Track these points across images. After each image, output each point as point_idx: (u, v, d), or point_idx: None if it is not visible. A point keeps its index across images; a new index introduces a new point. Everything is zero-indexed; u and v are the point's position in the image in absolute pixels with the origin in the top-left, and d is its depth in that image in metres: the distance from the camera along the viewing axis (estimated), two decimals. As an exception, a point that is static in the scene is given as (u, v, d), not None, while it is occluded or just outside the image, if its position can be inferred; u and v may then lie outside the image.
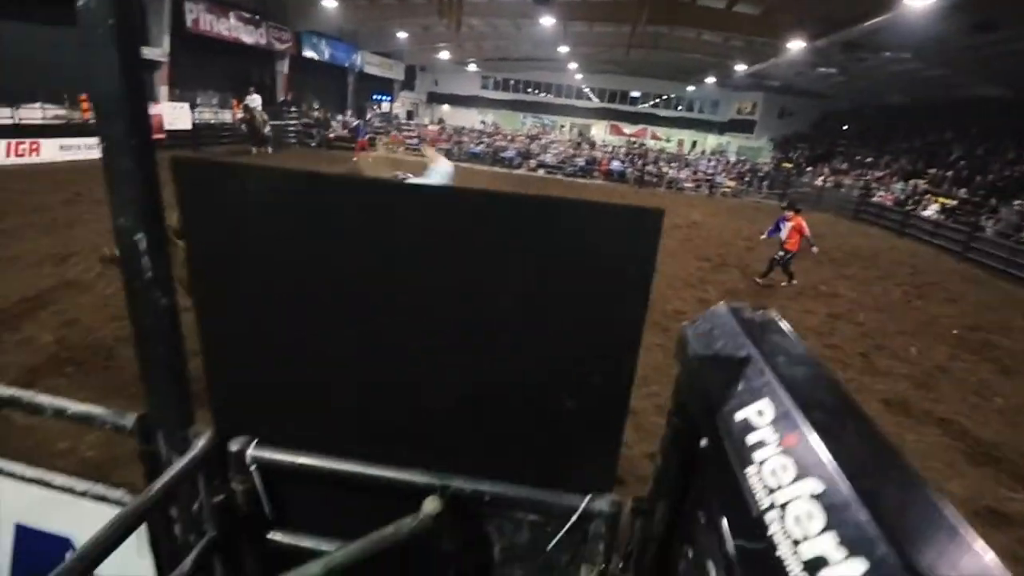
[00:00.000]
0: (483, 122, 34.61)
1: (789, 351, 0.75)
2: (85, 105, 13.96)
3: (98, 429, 1.24)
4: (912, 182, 18.10)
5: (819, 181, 22.24)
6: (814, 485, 0.48)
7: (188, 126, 16.50)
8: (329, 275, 1.01)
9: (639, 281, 0.92)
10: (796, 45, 17.20)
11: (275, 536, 1.20)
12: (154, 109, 15.51)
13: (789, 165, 26.65)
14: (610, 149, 26.89)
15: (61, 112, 13.55)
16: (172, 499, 1.19)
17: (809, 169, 24.97)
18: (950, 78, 18.79)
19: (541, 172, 22.44)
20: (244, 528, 1.18)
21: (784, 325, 0.85)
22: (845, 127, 28.26)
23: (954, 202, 15.49)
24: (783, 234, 8.25)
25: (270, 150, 17.34)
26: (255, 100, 17.09)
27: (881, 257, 11.85)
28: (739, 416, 0.63)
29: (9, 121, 12.21)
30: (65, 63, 13.28)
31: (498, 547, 1.16)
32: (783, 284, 8.65)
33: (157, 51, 16.46)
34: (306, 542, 1.19)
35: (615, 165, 22.77)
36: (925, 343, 6.66)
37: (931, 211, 15.44)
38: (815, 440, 0.53)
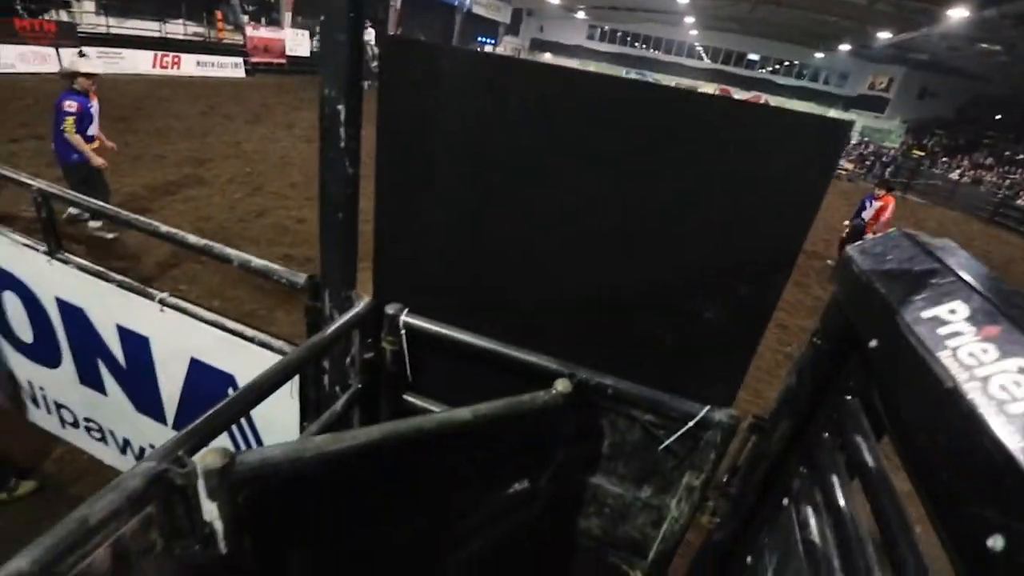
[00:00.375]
0: (584, 74, 33.42)
1: (973, 268, 0.74)
2: (221, 25, 14.99)
3: (274, 283, 1.43)
4: (1073, 187, 15.64)
5: (955, 174, 19.76)
6: (1021, 361, 0.50)
7: (307, 53, 17.26)
8: (498, 160, 1.08)
9: (809, 195, 0.92)
10: (958, 13, 14.93)
11: (411, 397, 1.36)
12: (277, 34, 16.36)
13: (921, 153, 23.80)
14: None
15: (200, 30, 14.62)
16: (326, 353, 1.37)
17: (945, 160, 22.18)
18: None
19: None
20: (387, 385, 1.34)
21: (964, 252, 0.83)
22: (998, 116, 24.57)
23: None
24: (867, 214, 7.41)
25: (371, 84, 17.48)
26: (369, 33, 17.13)
27: (1013, 267, 10.50)
28: (926, 314, 0.64)
29: (156, 34, 13.36)
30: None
31: (608, 441, 1.25)
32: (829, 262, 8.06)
33: (284, -23, 17.15)
34: (436, 407, 1.33)
35: (719, 133, 21.39)
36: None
37: (1091, 223, 13.34)
38: (1018, 332, 0.54)
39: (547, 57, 36.28)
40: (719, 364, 1.11)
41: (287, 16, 17.72)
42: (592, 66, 35.34)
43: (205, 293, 3.95)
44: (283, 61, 16.36)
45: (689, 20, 28.64)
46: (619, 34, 35.28)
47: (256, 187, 6.54)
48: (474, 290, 1.24)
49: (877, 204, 7.36)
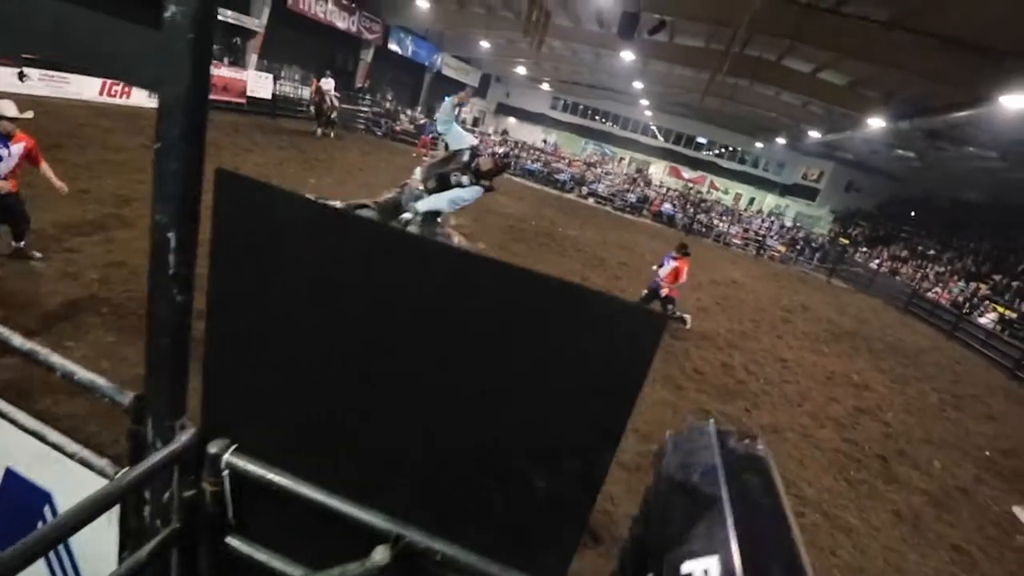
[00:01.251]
0: (544, 140, 34.93)
1: (759, 500, 0.73)
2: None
3: (97, 399, 1.30)
4: (973, 284, 17.24)
5: (875, 264, 21.46)
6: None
7: (268, 95, 17.27)
8: (334, 308, 1.04)
9: (630, 380, 0.92)
10: (876, 123, 16.72)
11: (233, 541, 1.23)
12: (239, 74, 16.35)
13: (846, 241, 25.84)
14: (665, 190, 26.68)
15: (156, 62, 14.42)
16: (148, 483, 1.24)
17: (866, 250, 24.13)
18: (1035, 185, 17.93)
19: (591, 201, 22.44)
20: (206, 527, 1.21)
21: (768, 462, 0.83)
22: (912, 213, 27.20)
23: (1015, 315, 14.66)
24: (663, 272, 7.89)
25: (332, 134, 17.15)
26: (329, 83, 16.97)
27: (924, 357, 11.29)
28: (684, 568, 0.62)
29: (108, 62, 13.04)
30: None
31: (439, 608, 1.16)
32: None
33: (255, 21, 17.37)
34: (260, 554, 1.21)
35: (666, 207, 22.56)
36: (951, 458, 6.29)
37: (988, 319, 14.64)
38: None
39: (511, 122, 37.86)
40: (552, 536, 1.06)
41: (252, 57, 17.82)
42: (554, 134, 37.12)
43: (94, 352, 3.64)
44: (243, 101, 16.27)
45: (644, 102, 30.73)
46: (580, 107, 37.35)
47: (184, 232, 6.26)
48: (310, 433, 1.16)
49: (674, 265, 7.80)
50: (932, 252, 21.50)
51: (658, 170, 36.65)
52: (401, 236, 0.99)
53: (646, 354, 0.89)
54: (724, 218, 23.08)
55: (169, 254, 1.06)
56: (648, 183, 27.00)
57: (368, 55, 23.56)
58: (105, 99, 12.57)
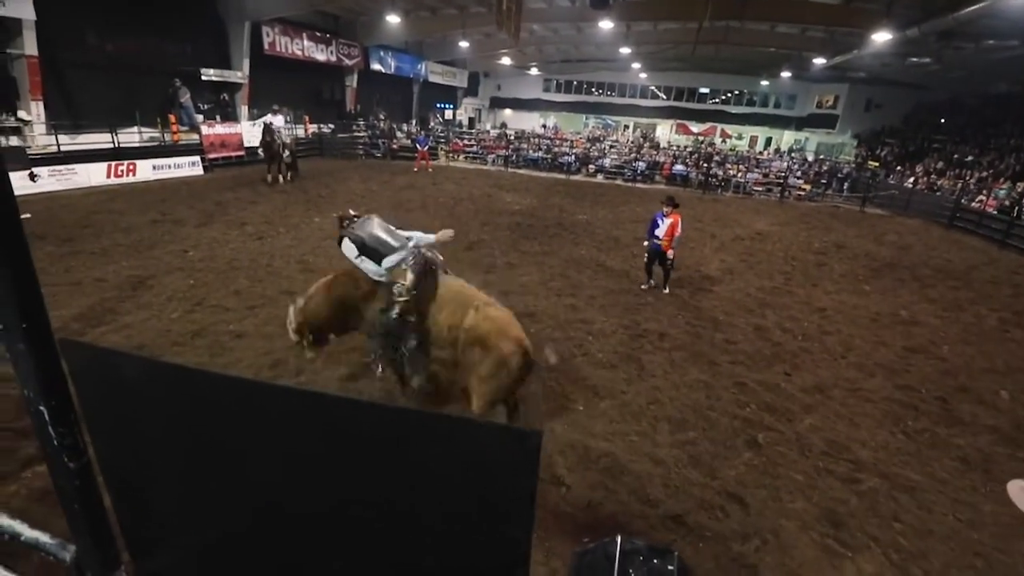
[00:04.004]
0: (544, 125, 34.49)
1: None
2: (175, 127, 15.31)
3: (43, 555, 1.28)
4: (1020, 185, 16.06)
5: (910, 182, 20.27)
6: None
7: (264, 143, 17.56)
8: (214, 464, 0.98)
9: (519, 503, 0.82)
10: (882, 36, 15.73)
11: None
12: (233, 129, 16.73)
13: (875, 164, 24.52)
14: (675, 149, 25.92)
15: (155, 134, 14.89)
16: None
17: (899, 169, 22.83)
18: (1072, 64, 16.52)
19: (600, 177, 22.02)
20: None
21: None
22: (942, 120, 25.56)
23: (1073, 207, 13.59)
24: (661, 231, 7.56)
25: (282, 179, 14.34)
26: (277, 120, 14.51)
27: (976, 275, 10.57)
28: None
29: (110, 145, 13.56)
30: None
31: None
32: (643, 287, 8.05)
33: (237, 74, 17.73)
34: None
35: (678, 168, 21.90)
36: (1021, 385, 5.84)
37: (1044, 218, 13.61)
38: None
39: (507, 113, 37.57)
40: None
41: (243, 109, 18.20)
42: (552, 116, 36.60)
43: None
44: (241, 153, 16.66)
45: (636, 65, 29.91)
46: (574, 84, 36.71)
47: (197, 302, 6.43)
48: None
49: (668, 221, 7.50)
50: (970, 158, 20.15)
51: (665, 130, 35.70)
52: (252, 385, 0.91)
53: (528, 471, 0.79)
54: (740, 167, 22.20)
55: (47, 428, 1.02)
56: (657, 147, 26.24)
57: (353, 80, 23.75)
58: (113, 180, 13.08)
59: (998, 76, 21.07)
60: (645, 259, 7.97)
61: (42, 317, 1.00)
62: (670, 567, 0.72)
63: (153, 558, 1.19)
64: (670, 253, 7.58)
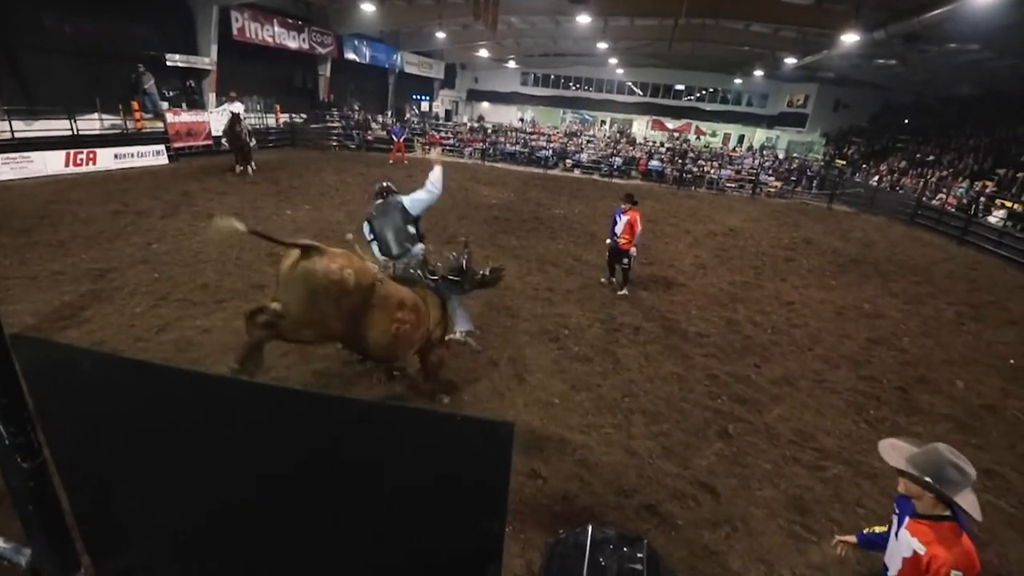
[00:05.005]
0: (521, 119, 34.41)
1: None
2: (139, 115, 14.74)
3: (-2, 561, 1.23)
4: (978, 184, 16.74)
5: (875, 181, 20.93)
6: None
7: (233, 131, 17.08)
8: (177, 460, 0.94)
9: (493, 494, 0.81)
10: (851, 37, 16.14)
11: None
12: (200, 117, 16.21)
13: (842, 162, 25.23)
14: (650, 145, 26.18)
15: (117, 121, 14.30)
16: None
17: (865, 167, 23.54)
18: (1025, 68, 17.25)
19: (577, 172, 22.10)
20: None
21: (643, 571, 0.72)
22: (906, 121, 26.42)
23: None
24: (619, 228, 7.58)
25: (251, 169, 14.05)
26: (237, 107, 13.73)
27: (936, 270, 11.01)
28: None
29: (68, 132, 12.98)
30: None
31: None
32: (602, 281, 8.16)
33: (204, 60, 17.16)
34: None
35: (653, 164, 22.14)
36: (975, 375, 6.12)
37: (997, 217, 14.22)
38: None
39: (484, 106, 37.33)
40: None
41: (211, 96, 17.64)
42: (530, 110, 36.54)
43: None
44: (209, 143, 16.16)
45: (613, 61, 30.05)
46: (552, 78, 36.70)
47: (162, 295, 6.22)
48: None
49: (626, 218, 7.52)
50: (932, 157, 20.89)
51: (641, 126, 36.01)
52: (215, 381, 0.88)
53: (502, 463, 0.79)
54: (713, 163, 22.57)
55: (-4, 426, 0.97)
56: (633, 143, 26.46)
57: (326, 69, 23.24)
58: (72, 169, 12.53)
59: (960, 79, 21.82)
60: (607, 256, 8.00)
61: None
62: (639, 555, 0.73)
63: (114, 559, 1.15)
64: (632, 250, 7.59)
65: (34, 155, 11.78)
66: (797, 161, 24.54)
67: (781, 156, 26.32)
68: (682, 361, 5.84)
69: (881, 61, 21.45)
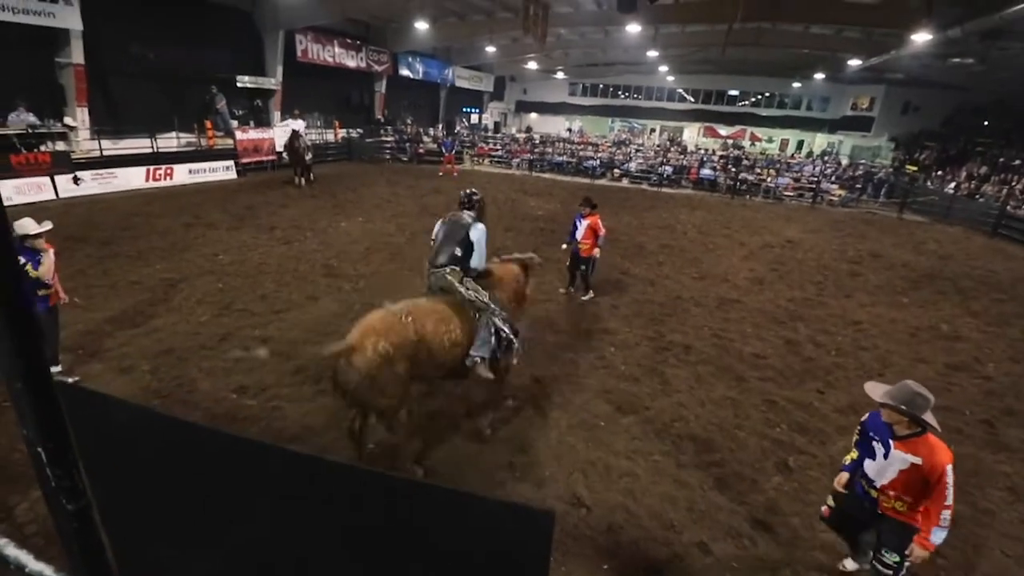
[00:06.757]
0: (569, 129, 34.33)
1: None
2: (211, 133, 15.75)
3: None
4: (1074, 191, 15.22)
5: (951, 188, 19.44)
6: None
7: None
8: (191, 515, 0.94)
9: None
10: (922, 37, 15.11)
11: None
12: (266, 133, 17.12)
13: (914, 168, 23.60)
14: (702, 153, 25.44)
15: (192, 139, 15.35)
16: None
17: (939, 173, 21.93)
18: None
19: (625, 182, 21.76)
20: None
21: None
22: (985, 123, 24.45)
23: None
24: (579, 234, 7.24)
25: (303, 182, 14.75)
26: (299, 124, 14.95)
27: (1022, 287, 10.04)
28: None
29: (149, 150, 14.02)
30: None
31: None
32: (561, 291, 7.78)
33: (271, 80, 18.13)
34: None
35: (705, 172, 21.47)
36: (1075, 409, 5.49)
37: (1099, 227, 12.84)
38: None
39: (533, 117, 37.54)
40: None
41: (276, 115, 18.59)
42: (577, 120, 36.42)
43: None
44: (273, 158, 17.02)
45: (663, 68, 29.53)
46: (600, 87, 36.45)
47: (225, 305, 6.55)
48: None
49: (586, 223, 7.21)
50: (1017, 162, 19.21)
51: (692, 133, 35.14)
52: (236, 442, 0.86)
53: (540, 555, 0.73)
54: (770, 170, 21.63)
55: (44, 468, 1.00)
56: (684, 150, 25.81)
57: (382, 86, 24.05)
58: (151, 184, 13.52)
59: (1048, 77, 20.02)
60: (567, 263, 7.75)
61: (39, 356, 0.98)
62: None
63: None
64: (595, 252, 7.32)
65: (119, 171, 12.79)
66: (862, 167, 23.18)
67: (844, 162, 24.95)
68: (736, 384, 5.56)
69: (956, 60, 19.97)
